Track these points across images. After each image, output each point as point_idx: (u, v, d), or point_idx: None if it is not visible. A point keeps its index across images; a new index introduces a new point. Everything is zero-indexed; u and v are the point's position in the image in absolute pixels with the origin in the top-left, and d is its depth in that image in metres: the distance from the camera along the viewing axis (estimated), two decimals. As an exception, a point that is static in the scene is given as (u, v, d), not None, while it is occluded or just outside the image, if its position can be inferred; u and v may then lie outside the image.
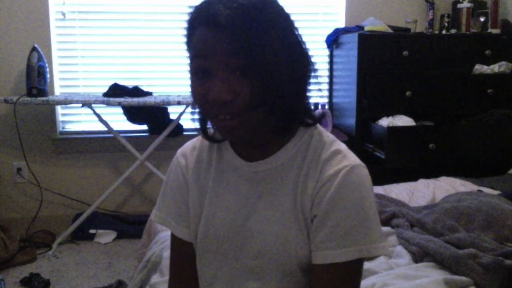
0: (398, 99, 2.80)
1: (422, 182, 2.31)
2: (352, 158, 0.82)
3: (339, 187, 0.78)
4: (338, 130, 3.07)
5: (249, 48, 0.72)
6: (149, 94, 2.90)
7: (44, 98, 2.63)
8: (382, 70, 2.81)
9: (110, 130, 2.82)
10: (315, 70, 0.84)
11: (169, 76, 3.14)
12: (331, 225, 0.78)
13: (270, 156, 0.85)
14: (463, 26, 3.08)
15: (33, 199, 3.01)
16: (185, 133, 3.08)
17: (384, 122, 2.71)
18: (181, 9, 3.07)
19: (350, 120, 2.91)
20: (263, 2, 0.75)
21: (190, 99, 0.84)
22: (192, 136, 0.99)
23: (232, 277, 0.88)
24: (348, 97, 2.96)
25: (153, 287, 1.44)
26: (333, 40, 3.11)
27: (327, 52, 3.26)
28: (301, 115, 0.84)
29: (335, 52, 3.18)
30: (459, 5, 3.12)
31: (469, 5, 3.08)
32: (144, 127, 3.07)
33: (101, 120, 2.80)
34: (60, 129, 3.08)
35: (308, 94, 0.85)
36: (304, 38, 0.83)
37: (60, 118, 3.09)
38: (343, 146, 0.85)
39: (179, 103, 2.67)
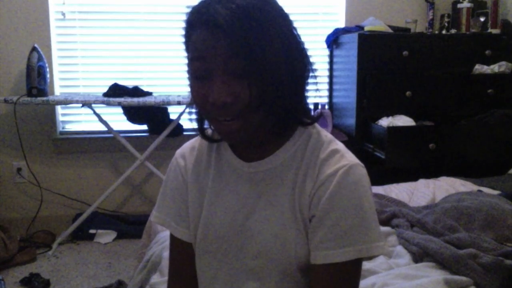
0: (398, 99, 2.80)
1: (422, 182, 2.31)
2: (350, 158, 0.82)
3: (337, 187, 0.78)
4: (338, 130, 3.07)
5: (248, 50, 0.72)
6: (149, 94, 2.90)
7: (44, 98, 2.63)
8: (382, 70, 2.81)
9: (110, 130, 2.82)
10: (314, 70, 0.84)
11: (169, 76, 3.14)
12: (330, 224, 0.78)
13: (268, 156, 0.85)
14: (463, 26, 3.08)
15: (33, 199, 3.01)
16: (185, 133, 3.08)
17: (384, 122, 2.71)
18: (181, 9, 3.07)
19: (350, 120, 2.91)
20: (262, 2, 0.75)
21: (190, 99, 0.83)
22: (192, 136, 0.99)
23: (231, 277, 0.88)
24: (348, 97, 2.96)
25: (153, 287, 1.44)
26: (333, 40, 3.11)
27: (327, 52, 3.26)
28: (299, 115, 0.84)
29: (335, 52, 3.18)
30: (459, 5, 3.12)
31: (469, 5, 3.07)
32: (144, 127, 3.08)
33: (101, 120, 2.80)
34: (60, 129, 3.08)
35: (307, 94, 0.85)
36: (304, 38, 0.83)
37: (60, 118, 3.09)
38: (341, 146, 0.85)
39: (179, 103, 2.67)
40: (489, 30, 3.05)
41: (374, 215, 0.80)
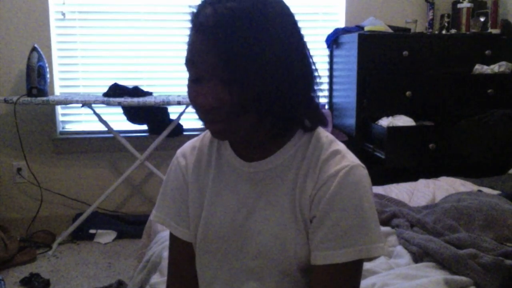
0: (398, 99, 2.80)
1: (422, 182, 2.31)
2: (351, 159, 0.82)
3: (338, 187, 0.78)
4: (338, 130, 3.07)
5: (233, 58, 0.71)
6: (149, 94, 2.90)
7: (44, 98, 2.63)
8: (382, 70, 2.81)
9: (110, 130, 2.82)
10: (317, 77, 0.83)
11: (169, 76, 3.14)
12: (330, 225, 0.78)
13: (269, 156, 0.85)
14: (463, 26, 3.08)
15: (33, 199, 3.01)
16: (185, 133, 3.08)
17: (384, 122, 2.71)
18: (181, 9, 3.07)
19: (350, 120, 2.91)
20: (258, 5, 0.73)
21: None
22: (192, 136, 0.99)
23: (231, 277, 0.88)
24: (348, 97, 2.96)
25: (153, 287, 1.45)
26: (333, 40, 3.11)
27: (327, 52, 3.26)
28: (301, 119, 0.84)
29: (335, 52, 3.18)
30: (459, 5, 3.12)
31: (469, 5, 3.07)
32: (144, 127, 3.08)
33: (101, 120, 2.80)
34: (60, 129, 3.08)
35: (310, 97, 0.83)
36: (304, 38, 0.82)
37: (60, 118, 3.09)
38: (342, 146, 0.85)
39: (179, 103, 2.67)
40: (489, 30, 3.05)
41: (374, 216, 0.80)
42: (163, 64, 3.12)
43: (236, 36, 0.70)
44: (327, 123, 0.89)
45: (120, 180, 2.85)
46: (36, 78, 2.64)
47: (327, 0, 3.28)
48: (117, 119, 3.02)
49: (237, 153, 0.88)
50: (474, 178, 2.37)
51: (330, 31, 3.13)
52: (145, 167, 2.96)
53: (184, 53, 0.79)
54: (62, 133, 3.08)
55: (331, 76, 3.28)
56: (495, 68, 2.84)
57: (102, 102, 2.64)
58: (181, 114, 2.86)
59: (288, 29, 0.77)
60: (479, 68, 2.86)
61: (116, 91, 2.78)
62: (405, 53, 2.79)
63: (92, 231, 2.92)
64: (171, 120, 2.95)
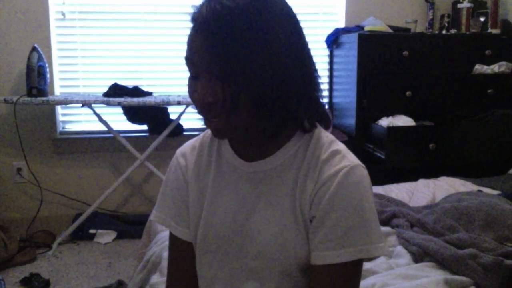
0: (398, 99, 2.80)
1: (422, 182, 2.31)
2: (351, 159, 0.82)
3: (338, 188, 0.78)
4: (338, 130, 3.07)
5: (226, 54, 0.72)
6: (149, 94, 2.90)
7: (44, 98, 2.63)
8: (382, 70, 2.81)
9: (110, 130, 2.82)
10: (318, 77, 0.83)
11: (169, 76, 3.14)
12: (330, 225, 0.78)
13: (269, 156, 0.85)
14: (463, 26, 3.08)
15: (33, 199, 3.01)
16: (185, 133, 3.08)
17: (384, 122, 2.71)
18: (181, 9, 3.07)
19: (350, 120, 2.91)
20: (256, 4, 0.73)
21: (190, 99, 0.84)
22: (192, 136, 0.99)
23: (232, 277, 0.88)
24: (348, 97, 2.96)
25: (153, 287, 1.45)
26: (333, 40, 3.11)
27: (327, 52, 3.26)
28: (300, 119, 0.83)
29: (335, 52, 3.18)
30: (459, 5, 3.12)
31: (469, 5, 3.08)
32: (144, 127, 3.08)
33: (101, 120, 2.80)
34: (60, 129, 3.08)
35: (313, 98, 0.83)
36: (306, 39, 0.82)
37: (60, 118, 3.09)
38: (342, 146, 0.85)
39: (179, 103, 2.67)
40: (489, 30, 3.05)
41: (374, 216, 0.80)
42: (163, 64, 3.12)
43: (230, 33, 0.71)
44: (330, 125, 0.89)
45: (120, 180, 2.85)
46: (36, 78, 2.64)
47: (327, 0, 3.28)
48: (117, 119, 3.02)
49: (237, 153, 0.88)
50: (474, 178, 2.37)
51: (330, 31, 3.13)
52: (145, 167, 2.96)
53: (184, 53, 0.79)
54: (62, 133, 3.08)
55: (331, 76, 3.28)
56: (495, 68, 2.84)
57: (102, 102, 2.64)
58: (181, 114, 2.85)
59: (286, 29, 0.77)
60: (479, 68, 2.86)
61: (116, 91, 2.78)
62: (405, 53, 2.79)
63: (92, 231, 2.92)
64: (171, 120, 2.95)
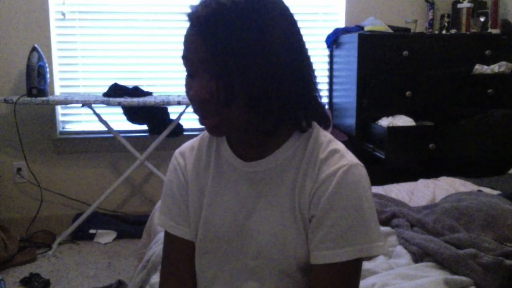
0: (398, 99, 2.80)
1: (422, 182, 2.31)
2: (350, 158, 0.82)
3: (337, 187, 0.78)
4: (338, 130, 3.07)
5: (219, 51, 0.72)
6: (149, 94, 2.90)
7: (44, 98, 2.63)
8: (382, 70, 2.81)
9: (110, 130, 2.82)
10: (315, 77, 0.84)
11: (169, 76, 3.14)
12: (330, 224, 0.78)
13: (268, 156, 0.85)
14: (463, 26, 3.08)
15: (33, 199, 3.01)
16: (185, 133, 3.08)
17: (384, 122, 2.71)
18: (181, 9, 3.07)
19: (350, 120, 2.91)
20: (252, 3, 0.74)
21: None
22: (192, 136, 0.99)
23: (231, 277, 0.88)
24: (348, 97, 2.96)
25: (153, 287, 1.45)
26: (333, 40, 3.11)
27: (327, 52, 3.26)
28: (298, 118, 0.83)
29: (335, 52, 3.18)
30: (459, 5, 3.12)
31: (469, 5, 3.07)
32: (144, 127, 3.07)
33: (101, 120, 2.80)
34: (60, 129, 3.08)
35: (311, 98, 0.83)
36: (304, 38, 0.82)
37: (60, 118, 3.09)
38: (341, 146, 0.85)
39: (179, 103, 2.67)
40: (489, 30, 3.05)
41: (374, 215, 0.80)
42: (163, 64, 3.12)
43: (226, 30, 0.72)
44: (329, 125, 0.89)
45: (120, 180, 2.85)
46: (36, 78, 2.64)
47: (327, 0, 3.28)
48: (117, 119, 3.02)
49: (235, 153, 0.88)
50: (474, 178, 2.37)
51: (330, 31, 3.13)
52: (145, 167, 2.96)
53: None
54: (62, 133, 3.08)
55: (331, 76, 3.28)
56: (495, 68, 2.84)
57: (102, 102, 2.64)
58: (181, 114, 2.86)
59: (282, 28, 0.77)
60: (479, 68, 2.86)
61: (116, 91, 2.78)
62: (405, 53, 2.79)
63: (92, 231, 2.92)
64: (171, 120, 2.95)
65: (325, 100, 3.31)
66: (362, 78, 2.78)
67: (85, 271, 2.51)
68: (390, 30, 2.98)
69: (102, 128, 2.91)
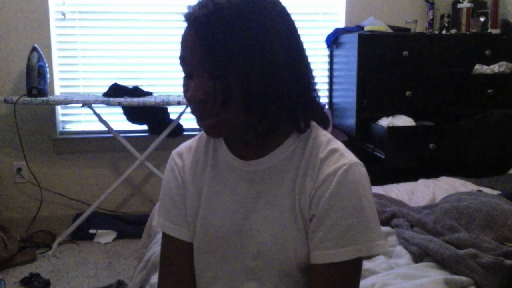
0: (398, 99, 2.80)
1: (422, 182, 2.31)
2: (349, 157, 0.82)
3: (337, 186, 0.78)
4: (338, 130, 3.07)
5: (217, 51, 0.73)
6: (149, 94, 2.90)
7: (44, 98, 2.63)
8: (382, 70, 2.81)
9: (110, 130, 2.82)
10: (313, 77, 0.84)
11: (169, 76, 3.14)
12: (330, 224, 0.78)
13: (266, 155, 0.85)
14: (463, 26, 3.08)
15: (33, 199, 3.01)
16: (185, 133, 3.08)
17: (384, 122, 2.71)
18: (181, 9, 3.06)
19: (350, 120, 2.91)
20: (249, 3, 0.74)
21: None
22: (192, 136, 0.98)
23: (231, 277, 0.87)
24: (348, 97, 2.96)
25: (153, 287, 1.44)
26: (333, 40, 3.11)
27: (327, 52, 3.26)
28: (295, 118, 0.83)
29: (335, 52, 3.18)
30: (459, 5, 3.12)
31: (469, 5, 3.08)
32: (144, 127, 3.08)
33: (101, 120, 2.80)
34: (60, 129, 3.08)
35: (309, 98, 0.83)
36: (304, 38, 0.82)
37: (60, 118, 3.09)
38: (340, 145, 0.85)
39: (179, 103, 2.67)
40: (489, 30, 3.05)
41: (374, 214, 0.80)
42: (163, 64, 3.12)
43: (222, 31, 0.72)
44: (329, 125, 0.89)
45: (120, 180, 2.85)
46: (36, 78, 2.64)
47: (327, 0, 3.28)
48: (117, 119, 3.02)
49: (234, 153, 0.88)
50: (474, 178, 2.37)
51: (330, 31, 3.13)
52: (145, 167, 2.96)
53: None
54: (62, 133, 3.08)
55: (331, 76, 3.28)
56: (495, 68, 2.84)
57: (102, 102, 2.64)
58: (181, 114, 2.86)
59: (279, 28, 0.77)
60: (479, 68, 2.86)
61: (116, 91, 2.78)
62: (405, 53, 2.79)
63: (92, 231, 2.92)
64: (171, 120, 2.95)
65: (325, 100, 3.31)
66: (362, 78, 2.78)
67: (85, 271, 2.51)
68: (390, 30, 2.98)
69: (102, 128, 2.91)
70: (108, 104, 2.66)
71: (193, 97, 0.77)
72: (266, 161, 0.85)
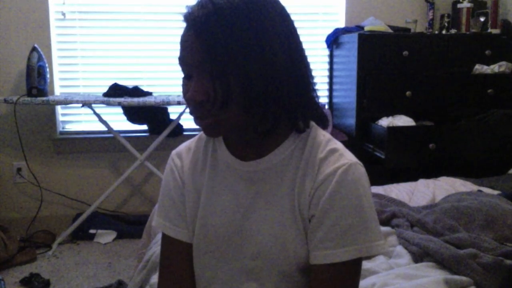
0: (398, 99, 2.80)
1: (422, 182, 2.31)
2: (349, 157, 0.82)
3: (337, 186, 0.78)
4: (338, 130, 3.07)
5: (216, 51, 0.73)
6: (149, 94, 2.90)
7: (44, 98, 2.63)
8: (382, 70, 2.81)
9: (110, 130, 2.82)
10: (312, 77, 0.84)
11: (169, 76, 3.14)
12: (330, 224, 0.78)
13: (266, 155, 0.85)
14: (463, 26, 3.08)
15: (33, 199, 3.01)
16: (185, 133, 3.08)
17: (384, 122, 2.71)
18: (181, 9, 3.06)
19: (350, 120, 2.91)
20: (248, 4, 0.74)
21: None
22: (192, 136, 0.98)
23: (231, 277, 0.87)
24: (348, 97, 2.95)
25: (153, 287, 1.44)
26: (333, 40, 3.10)
27: (327, 52, 3.26)
28: (294, 118, 0.83)
29: (335, 52, 3.18)
30: (459, 5, 3.12)
31: (469, 5, 3.07)
32: (144, 127, 3.08)
33: (101, 120, 2.80)
34: (60, 129, 3.08)
35: (308, 98, 0.83)
36: (304, 38, 0.82)
37: (60, 118, 3.09)
38: (339, 145, 0.85)
39: (179, 103, 2.67)
40: (489, 30, 3.05)
41: (373, 214, 0.80)
42: (163, 64, 3.12)
43: (221, 31, 0.72)
44: (328, 124, 0.89)
45: (120, 180, 2.85)
46: (36, 78, 2.64)
47: (327, 0, 3.28)
48: (117, 119, 3.02)
49: (233, 154, 0.88)
50: (474, 178, 2.37)
51: (330, 31, 3.13)
52: (145, 167, 2.96)
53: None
54: (62, 133, 3.08)
55: (331, 76, 3.28)
56: (495, 68, 2.84)
57: (102, 102, 2.64)
58: (181, 114, 2.85)
59: (279, 28, 0.77)
60: (479, 68, 2.86)
61: (116, 91, 2.78)
62: (405, 53, 2.79)
63: (92, 231, 2.92)
64: (171, 120, 2.95)
65: (325, 100, 3.31)
66: (362, 78, 2.78)
67: (85, 271, 2.51)
68: (390, 30, 2.98)
69: (102, 128, 2.91)
70: (108, 104, 2.66)
71: (193, 98, 0.76)
72: (266, 161, 0.84)
